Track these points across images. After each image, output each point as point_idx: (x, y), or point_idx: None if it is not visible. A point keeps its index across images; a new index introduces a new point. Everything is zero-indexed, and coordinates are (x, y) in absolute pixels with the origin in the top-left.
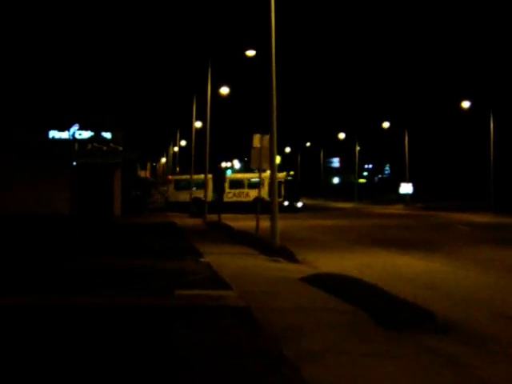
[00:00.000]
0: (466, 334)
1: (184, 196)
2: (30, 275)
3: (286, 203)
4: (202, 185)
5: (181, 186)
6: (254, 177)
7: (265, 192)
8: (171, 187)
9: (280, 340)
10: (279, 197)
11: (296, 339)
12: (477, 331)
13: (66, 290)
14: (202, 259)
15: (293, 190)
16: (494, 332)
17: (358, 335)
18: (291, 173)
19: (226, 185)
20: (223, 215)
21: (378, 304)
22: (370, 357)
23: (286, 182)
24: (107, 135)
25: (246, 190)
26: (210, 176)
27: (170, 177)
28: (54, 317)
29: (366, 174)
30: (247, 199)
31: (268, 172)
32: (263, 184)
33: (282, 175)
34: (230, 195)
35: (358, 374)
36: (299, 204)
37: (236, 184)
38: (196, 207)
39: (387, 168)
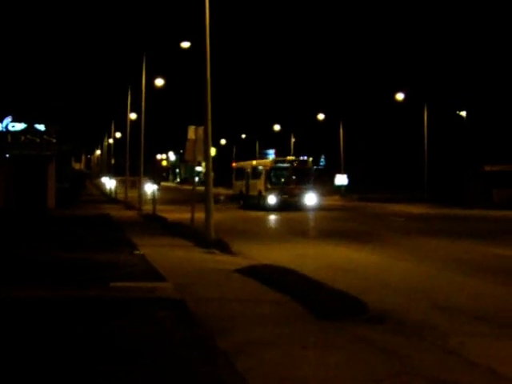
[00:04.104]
0: (400, 324)
1: (242, 187)
2: None
3: (270, 197)
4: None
5: (240, 175)
6: (259, 164)
7: (261, 184)
8: (233, 177)
9: (215, 332)
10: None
11: (231, 331)
12: (412, 321)
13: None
14: (137, 251)
15: (301, 181)
16: (429, 322)
17: (292, 326)
18: (310, 159)
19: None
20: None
21: (311, 295)
22: (304, 348)
23: (273, 169)
24: (41, 127)
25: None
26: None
27: (234, 164)
28: None
29: None
30: (253, 193)
31: (271, 158)
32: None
33: (267, 162)
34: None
35: (291, 365)
36: (307, 200)
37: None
38: (242, 199)
39: (322, 159)
